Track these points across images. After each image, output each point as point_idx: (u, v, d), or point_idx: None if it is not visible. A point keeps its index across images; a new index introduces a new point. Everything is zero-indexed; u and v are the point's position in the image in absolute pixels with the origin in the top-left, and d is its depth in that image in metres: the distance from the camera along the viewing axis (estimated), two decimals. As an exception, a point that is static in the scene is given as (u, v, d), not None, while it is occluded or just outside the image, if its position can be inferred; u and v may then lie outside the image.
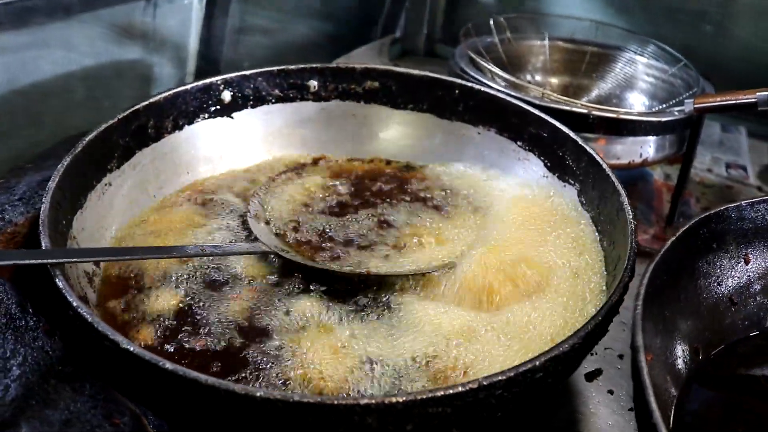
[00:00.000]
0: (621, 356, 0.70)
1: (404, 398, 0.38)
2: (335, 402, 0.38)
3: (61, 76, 0.91)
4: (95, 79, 0.96)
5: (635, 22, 1.26)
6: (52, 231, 0.53)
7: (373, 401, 0.38)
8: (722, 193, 1.08)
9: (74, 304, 0.45)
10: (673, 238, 0.52)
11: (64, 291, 0.46)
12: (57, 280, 0.47)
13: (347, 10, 1.49)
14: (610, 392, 0.66)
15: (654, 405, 0.36)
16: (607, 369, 0.69)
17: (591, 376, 0.67)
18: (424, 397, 0.39)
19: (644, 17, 1.30)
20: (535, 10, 1.36)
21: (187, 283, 0.62)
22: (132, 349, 0.41)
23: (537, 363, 0.42)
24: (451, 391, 0.39)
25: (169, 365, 0.40)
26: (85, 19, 0.89)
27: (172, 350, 0.53)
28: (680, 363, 0.53)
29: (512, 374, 0.41)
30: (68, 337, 0.48)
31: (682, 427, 0.47)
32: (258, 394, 0.38)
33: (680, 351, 0.54)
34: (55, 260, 0.48)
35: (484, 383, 0.40)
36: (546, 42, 1.15)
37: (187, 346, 0.54)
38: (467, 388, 0.40)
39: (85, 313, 0.44)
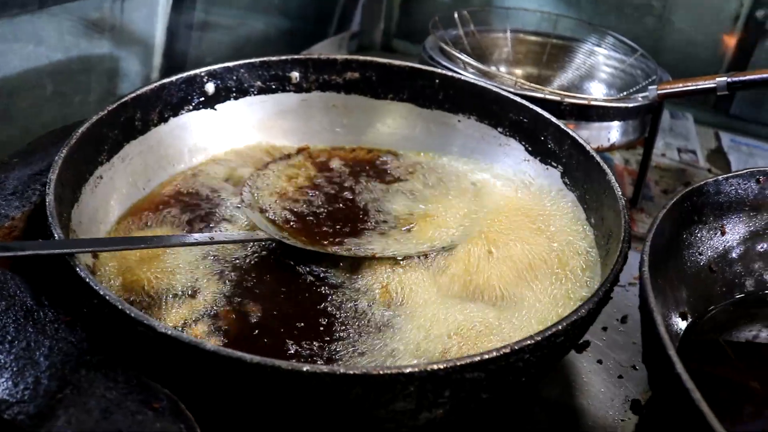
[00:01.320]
0: (605, 328, 0.74)
1: (445, 365, 0.40)
2: (381, 372, 0.40)
3: (31, 70, 0.88)
4: (64, 73, 0.93)
5: (584, 15, 1.32)
6: (60, 223, 0.52)
7: (417, 369, 0.40)
8: (678, 175, 1.15)
9: (101, 292, 0.44)
10: (664, 211, 0.56)
11: (88, 280, 0.45)
12: (78, 269, 0.47)
13: (302, 7, 1.49)
14: (599, 362, 0.70)
15: (675, 356, 0.39)
16: (593, 341, 0.72)
17: (580, 348, 0.71)
18: (463, 363, 0.41)
19: (592, 10, 1.37)
20: (490, 4, 1.41)
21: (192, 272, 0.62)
22: (170, 332, 0.42)
23: (560, 327, 0.45)
24: (486, 356, 0.41)
25: (210, 346, 0.41)
26: (56, 12, 0.87)
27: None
28: (674, 327, 0.57)
29: (539, 338, 0.43)
30: (90, 327, 0.47)
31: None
32: (305, 369, 0.40)
33: (672, 315, 0.58)
34: (72, 250, 0.48)
35: (516, 347, 0.42)
36: (508, 34, 1.18)
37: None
38: (501, 352, 0.42)
39: (114, 301, 0.44)
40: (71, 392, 0.41)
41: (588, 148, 0.69)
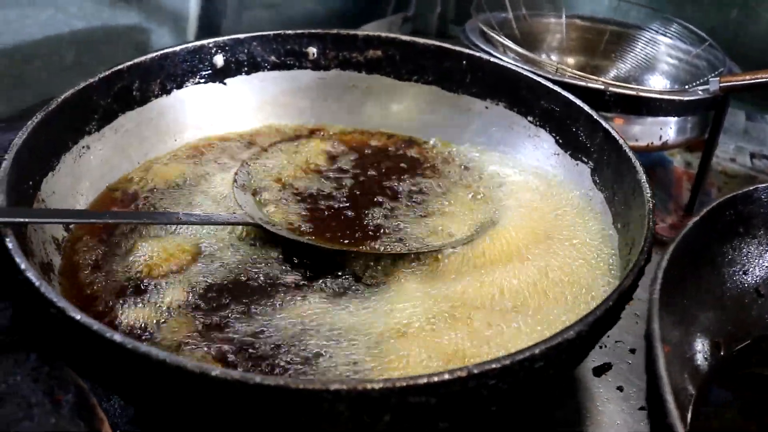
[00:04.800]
0: (633, 350, 0.65)
1: (380, 385, 0.33)
2: (300, 386, 0.33)
3: (49, 38, 0.86)
4: (85, 43, 0.91)
5: (656, 3, 1.20)
6: (10, 190, 0.49)
7: (344, 387, 0.33)
8: (746, 183, 1.01)
9: (22, 266, 0.40)
10: (696, 219, 0.46)
11: (12, 252, 0.41)
12: (6, 240, 0.42)
13: (358, -16, 1.44)
14: (620, 389, 0.61)
15: (671, 403, 0.30)
16: (617, 364, 0.63)
17: (599, 371, 0.62)
18: (404, 384, 0.34)
19: (665, -1, 1.24)
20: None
21: (164, 251, 0.57)
22: (79, 318, 0.37)
23: (536, 351, 0.37)
24: (435, 379, 0.34)
25: (117, 337, 0.36)
26: (75, -22, 0.85)
27: (136, 324, 0.49)
28: (699, 359, 0.47)
29: (507, 362, 0.36)
30: (20, 307, 0.43)
31: (700, 430, 0.42)
32: (214, 374, 0.34)
33: (699, 346, 0.48)
34: (6, 219, 0.44)
35: (474, 371, 0.35)
36: (563, 19, 1.09)
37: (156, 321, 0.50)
38: (454, 376, 0.34)
39: (31, 277, 0.39)
40: (-31, 376, 0.37)
41: (621, 141, 0.60)
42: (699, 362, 0.48)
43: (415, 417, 0.36)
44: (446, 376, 0.34)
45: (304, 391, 0.33)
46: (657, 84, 1.02)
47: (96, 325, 0.36)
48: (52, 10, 0.84)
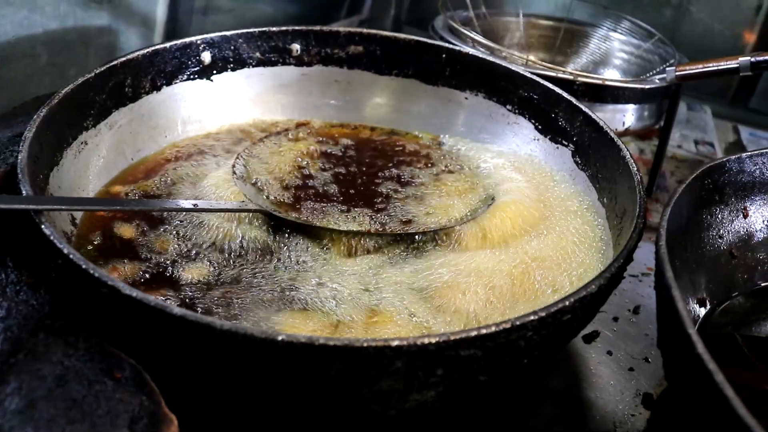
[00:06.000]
0: (616, 318, 0.70)
1: (437, 339, 0.36)
2: (364, 344, 0.36)
3: (24, 38, 0.85)
4: (59, 43, 0.90)
5: (601, 2, 1.27)
6: (32, 181, 0.49)
7: (405, 343, 0.36)
8: (694, 167, 1.08)
9: (65, 251, 0.41)
10: (683, 186, 0.51)
11: (52, 237, 0.42)
12: (43, 227, 0.43)
13: (312, -9, 1.46)
14: (609, 353, 0.66)
15: (695, 335, 0.34)
16: (603, 331, 0.68)
17: (589, 338, 0.67)
18: (458, 338, 0.37)
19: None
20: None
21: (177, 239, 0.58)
22: (135, 294, 0.38)
23: (567, 303, 0.40)
24: (484, 331, 0.37)
25: (177, 310, 0.37)
26: (50, -22, 0.84)
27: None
28: (692, 314, 0.52)
29: (543, 314, 0.39)
30: (56, 291, 0.44)
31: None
32: (280, 338, 0.36)
33: (690, 302, 0.53)
34: (40, 206, 0.44)
35: (517, 323, 0.38)
36: (521, 18, 1.14)
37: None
38: (501, 328, 0.38)
39: (77, 260, 0.40)
40: (25, 357, 0.38)
41: (602, 123, 0.65)
42: (690, 315, 0.53)
43: (462, 371, 0.39)
44: (493, 329, 0.37)
45: (368, 348, 0.35)
46: (611, 77, 1.09)
47: (153, 301, 0.38)
48: (27, 10, 0.83)
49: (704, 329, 0.53)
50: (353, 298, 0.53)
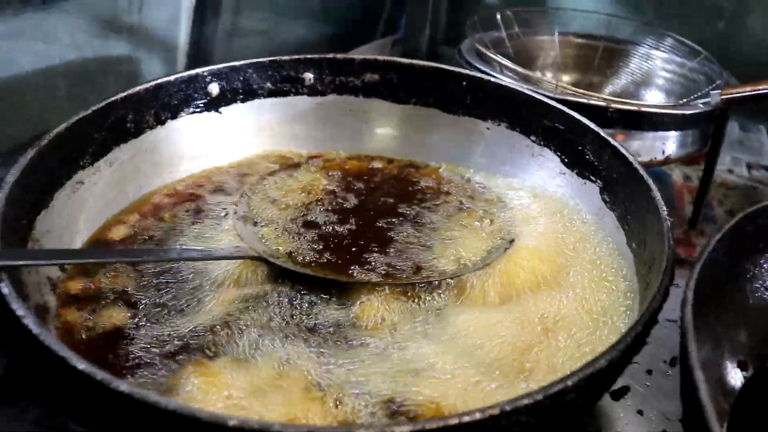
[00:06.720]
0: (649, 372, 0.63)
1: (408, 428, 0.31)
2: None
3: (41, 70, 0.84)
4: (78, 74, 0.89)
5: (644, 18, 1.20)
6: (5, 230, 0.46)
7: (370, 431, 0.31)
8: (746, 194, 1.01)
9: (19, 312, 0.38)
10: (719, 236, 0.45)
11: (8, 298, 0.39)
12: (1, 285, 0.40)
13: (347, 10, 1.43)
14: (640, 412, 0.59)
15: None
16: (634, 386, 0.61)
17: (617, 395, 0.60)
18: (433, 426, 0.32)
19: (654, 11, 1.24)
20: (543, 4, 1.30)
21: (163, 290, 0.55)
22: (81, 367, 0.34)
23: (569, 383, 0.35)
24: (467, 419, 0.32)
25: (124, 387, 0.33)
26: (66, 9, 0.83)
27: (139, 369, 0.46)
28: (728, 379, 0.46)
29: (540, 397, 0.34)
30: (18, 356, 0.41)
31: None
32: (231, 423, 0.31)
33: (727, 365, 0.47)
34: (2, 263, 0.41)
35: (507, 408, 0.33)
36: (556, 37, 1.08)
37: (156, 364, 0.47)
38: (486, 415, 0.32)
39: (30, 324, 0.37)
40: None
41: (630, 158, 0.59)
42: (728, 382, 0.46)
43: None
44: (477, 415, 0.32)
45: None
46: (653, 98, 1.02)
47: (100, 375, 0.34)
48: (44, 42, 0.82)
49: (744, 399, 0.47)
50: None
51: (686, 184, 1.02)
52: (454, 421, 0.32)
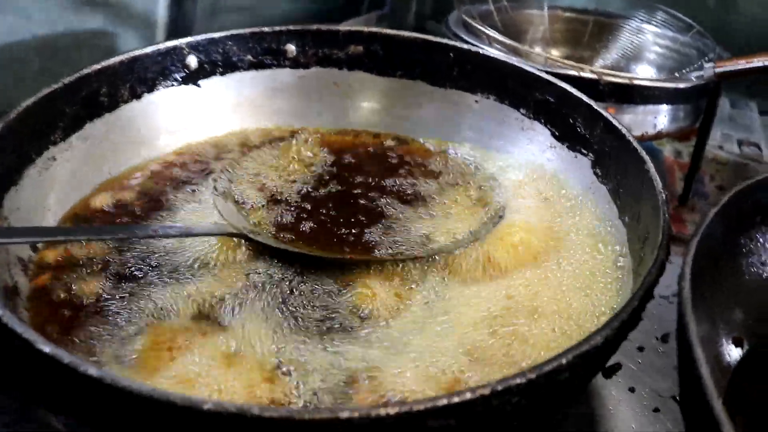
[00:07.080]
0: (641, 348, 0.62)
1: (396, 410, 0.30)
2: (306, 417, 0.29)
3: (12, 44, 0.81)
4: (51, 49, 0.86)
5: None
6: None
7: (356, 414, 0.29)
8: (737, 170, 1.00)
9: (-18, 294, 0.36)
10: (716, 209, 0.43)
11: (-31, 278, 0.37)
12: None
13: (330, -14, 1.40)
14: (631, 390, 0.58)
15: (721, 412, 0.27)
16: (626, 363, 0.60)
17: (609, 372, 0.59)
18: (422, 408, 0.30)
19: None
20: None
21: (140, 267, 0.53)
22: (47, 350, 0.32)
23: (563, 361, 0.33)
24: (456, 399, 0.30)
25: (93, 371, 0.31)
26: (37, -18, 0.80)
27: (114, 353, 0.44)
28: (725, 355, 0.44)
29: (533, 376, 0.32)
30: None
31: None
32: (206, 407, 0.30)
33: (723, 341, 0.45)
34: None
35: (498, 388, 0.31)
36: (545, 11, 1.06)
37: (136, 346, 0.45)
38: (477, 395, 0.31)
39: (-7, 307, 0.35)
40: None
41: (624, 131, 0.57)
42: (724, 359, 0.45)
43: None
44: (468, 395, 0.31)
45: (315, 421, 0.29)
46: (645, 73, 1.00)
47: (68, 358, 0.32)
48: (14, 16, 0.79)
49: (739, 376, 0.45)
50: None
51: (677, 160, 1.00)
52: (443, 402, 0.30)
